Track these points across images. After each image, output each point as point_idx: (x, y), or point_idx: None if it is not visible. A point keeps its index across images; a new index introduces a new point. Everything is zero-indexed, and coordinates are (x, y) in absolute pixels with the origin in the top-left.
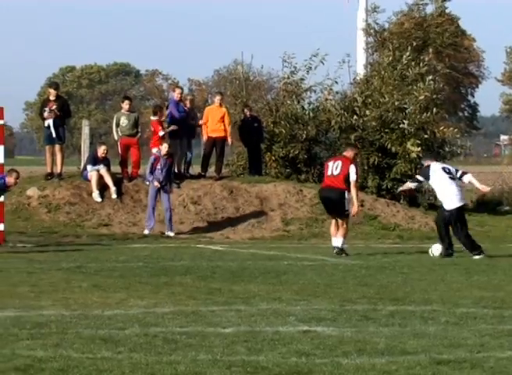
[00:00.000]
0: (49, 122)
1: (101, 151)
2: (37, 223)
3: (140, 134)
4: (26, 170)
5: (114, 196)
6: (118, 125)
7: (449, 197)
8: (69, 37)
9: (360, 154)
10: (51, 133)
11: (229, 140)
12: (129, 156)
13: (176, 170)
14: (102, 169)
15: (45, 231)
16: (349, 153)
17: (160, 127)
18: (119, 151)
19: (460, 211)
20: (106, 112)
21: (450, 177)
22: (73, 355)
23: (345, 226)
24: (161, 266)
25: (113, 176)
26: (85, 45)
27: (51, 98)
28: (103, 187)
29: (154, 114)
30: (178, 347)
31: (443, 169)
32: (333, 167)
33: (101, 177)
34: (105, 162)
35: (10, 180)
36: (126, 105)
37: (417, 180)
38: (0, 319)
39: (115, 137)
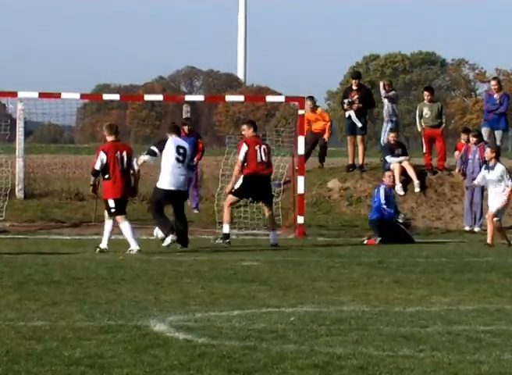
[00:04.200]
0: (350, 112)
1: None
2: (338, 216)
3: (444, 125)
4: (328, 161)
5: (417, 189)
6: (421, 116)
7: None
8: (373, 25)
9: None
10: (352, 123)
11: None
12: (434, 148)
13: None
14: (405, 161)
15: (346, 224)
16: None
17: None
18: (423, 143)
19: None
20: (410, 103)
21: None
22: (373, 353)
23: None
24: (465, 261)
25: (416, 168)
26: (389, 33)
27: (354, 87)
28: (406, 180)
29: None
30: (482, 346)
31: None
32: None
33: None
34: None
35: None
36: (426, 95)
37: None
38: (299, 314)
39: (419, 129)
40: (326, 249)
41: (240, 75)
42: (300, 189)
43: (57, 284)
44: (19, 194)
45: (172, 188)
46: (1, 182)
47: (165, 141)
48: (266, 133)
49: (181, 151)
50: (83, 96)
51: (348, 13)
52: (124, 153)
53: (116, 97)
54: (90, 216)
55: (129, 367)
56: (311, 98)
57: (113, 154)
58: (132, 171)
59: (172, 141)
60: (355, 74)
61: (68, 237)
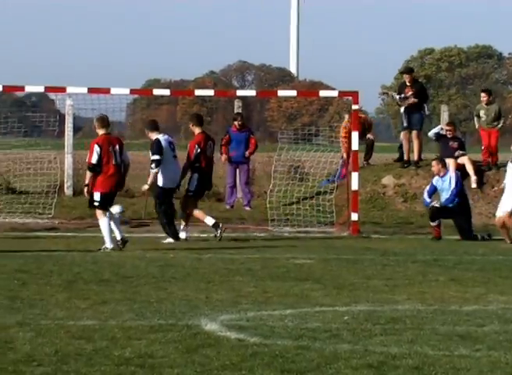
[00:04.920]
0: (404, 107)
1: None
2: (393, 212)
3: (501, 125)
4: (382, 157)
5: (474, 185)
6: (478, 116)
7: None
8: (428, 18)
9: None
10: (406, 119)
11: None
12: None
13: None
14: (464, 156)
15: (401, 222)
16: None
17: None
18: (482, 140)
19: None
20: (467, 97)
21: None
22: (429, 352)
23: None
24: None
25: (475, 164)
26: (445, 27)
27: (407, 83)
28: (463, 176)
29: None
30: None
31: None
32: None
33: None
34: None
35: None
36: (483, 97)
37: None
38: (353, 313)
39: (476, 126)
40: (381, 247)
41: (293, 69)
42: (354, 185)
43: (107, 283)
44: (68, 191)
45: (173, 186)
46: (49, 179)
47: (157, 143)
48: (319, 128)
49: (172, 146)
50: (132, 91)
51: (403, 6)
52: (117, 146)
53: (166, 92)
54: (141, 213)
55: (180, 367)
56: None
57: (107, 147)
58: (124, 164)
59: (163, 140)
60: (407, 69)
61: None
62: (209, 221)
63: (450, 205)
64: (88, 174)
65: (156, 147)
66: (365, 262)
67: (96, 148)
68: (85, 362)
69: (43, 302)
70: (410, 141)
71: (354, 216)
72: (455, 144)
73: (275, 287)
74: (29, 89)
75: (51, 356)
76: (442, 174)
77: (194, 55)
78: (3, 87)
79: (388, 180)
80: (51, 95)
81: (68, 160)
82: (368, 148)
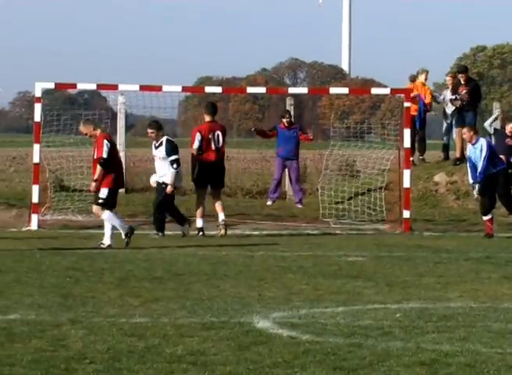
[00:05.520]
0: (457, 105)
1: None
2: (445, 210)
3: None
4: (435, 155)
5: None
6: None
7: None
8: (480, 15)
9: None
10: (460, 116)
11: None
12: None
13: None
14: None
15: (453, 219)
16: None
17: None
18: None
19: None
20: None
21: None
22: (481, 350)
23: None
24: None
25: None
26: (498, 24)
27: (462, 82)
28: None
29: None
30: None
31: None
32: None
33: None
34: None
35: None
36: None
37: None
38: (405, 311)
39: None
40: (433, 244)
41: (345, 67)
42: (406, 183)
43: (159, 280)
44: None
45: (179, 185)
46: None
47: (171, 142)
48: (371, 125)
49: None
50: (184, 89)
51: (455, 3)
52: (117, 143)
53: (218, 89)
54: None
55: (232, 364)
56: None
57: (115, 144)
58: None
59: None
60: (461, 68)
61: (170, 232)
62: (199, 223)
63: (489, 173)
64: (99, 169)
65: (171, 147)
66: (417, 260)
67: (106, 143)
68: (137, 360)
69: (95, 300)
70: (462, 139)
71: (406, 214)
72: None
73: (327, 284)
74: (81, 86)
75: (103, 354)
76: (474, 142)
77: (246, 53)
78: (55, 84)
79: (440, 177)
80: (103, 93)
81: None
82: (420, 143)
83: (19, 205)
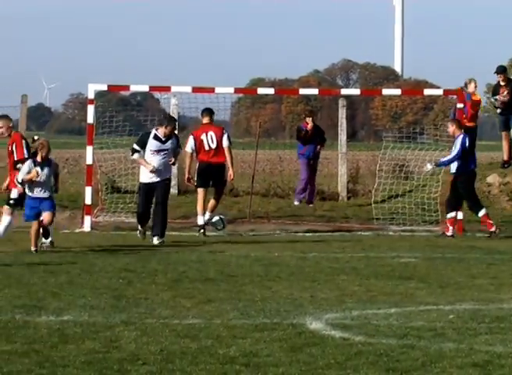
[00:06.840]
0: (501, 107)
1: None
2: (498, 211)
3: None
4: (488, 156)
5: None
6: None
7: None
8: None
9: None
10: (506, 119)
11: None
12: None
13: None
14: None
15: (506, 220)
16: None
17: None
18: None
19: None
20: None
21: None
22: None
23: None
24: None
25: None
26: None
27: (501, 82)
28: None
29: None
30: None
31: None
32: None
33: None
34: None
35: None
36: None
37: None
38: (458, 312)
39: None
40: (486, 245)
41: (397, 68)
42: None
43: (211, 282)
44: (173, 189)
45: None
46: None
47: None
48: (424, 127)
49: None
50: (237, 90)
51: (506, 5)
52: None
53: (271, 91)
54: (245, 212)
55: (285, 366)
56: None
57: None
58: None
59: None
60: (499, 69)
61: (223, 234)
62: (200, 220)
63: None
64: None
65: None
66: (470, 261)
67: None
68: (190, 361)
69: (148, 301)
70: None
71: (459, 215)
72: None
73: (380, 285)
74: (134, 88)
75: (156, 355)
76: (456, 135)
77: (299, 54)
78: (108, 86)
79: (493, 178)
80: (156, 94)
81: None
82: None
83: (72, 207)
